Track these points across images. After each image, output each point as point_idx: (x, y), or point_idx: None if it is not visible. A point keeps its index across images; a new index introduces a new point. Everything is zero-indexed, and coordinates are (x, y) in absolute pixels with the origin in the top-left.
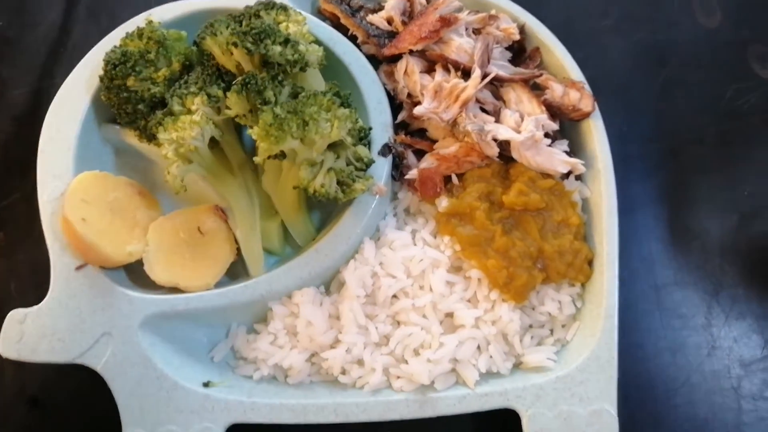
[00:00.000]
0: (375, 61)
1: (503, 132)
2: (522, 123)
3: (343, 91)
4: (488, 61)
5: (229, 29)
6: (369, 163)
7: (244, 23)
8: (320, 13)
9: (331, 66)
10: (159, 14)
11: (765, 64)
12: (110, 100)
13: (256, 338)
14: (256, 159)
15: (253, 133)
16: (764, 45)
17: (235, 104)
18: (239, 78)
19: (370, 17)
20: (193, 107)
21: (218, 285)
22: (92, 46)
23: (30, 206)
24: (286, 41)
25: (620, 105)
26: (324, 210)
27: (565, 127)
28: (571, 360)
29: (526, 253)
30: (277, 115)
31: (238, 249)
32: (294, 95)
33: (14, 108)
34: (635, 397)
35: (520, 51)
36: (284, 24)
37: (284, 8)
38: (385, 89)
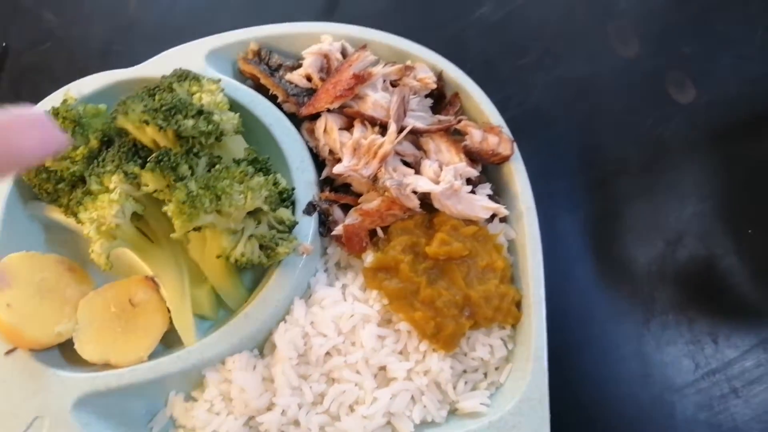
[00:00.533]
0: (297, 119)
1: (422, 184)
2: (441, 173)
3: (260, 156)
4: (404, 114)
5: (141, 105)
6: (292, 225)
7: (156, 98)
8: (241, 74)
9: (253, 128)
10: (77, 88)
11: (682, 89)
12: (31, 181)
13: (194, 406)
14: (173, 235)
15: (168, 209)
16: (681, 71)
17: (151, 181)
18: (153, 156)
19: (289, 76)
20: (111, 186)
21: (153, 355)
22: None
23: None
24: (199, 113)
25: (544, 141)
26: (257, 270)
27: (488, 170)
28: (504, 403)
29: (452, 302)
30: (189, 192)
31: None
32: (212, 165)
33: None
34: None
35: (440, 97)
36: (197, 95)
37: (197, 78)
38: (308, 146)
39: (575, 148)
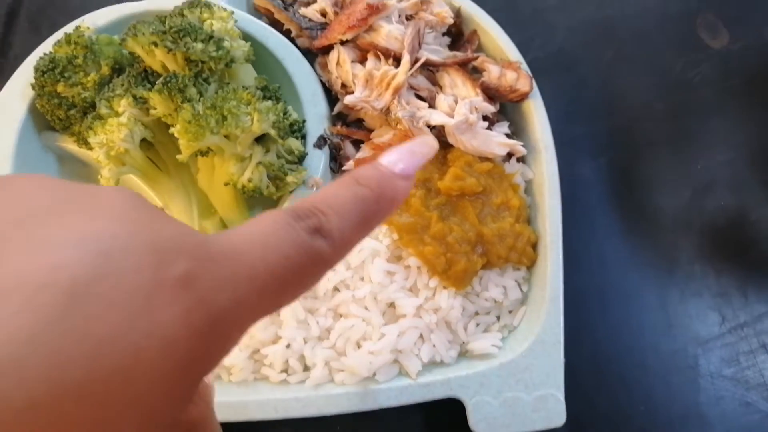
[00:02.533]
0: (312, 54)
1: (436, 117)
2: (456, 107)
3: (271, 84)
4: (419, 47)
5: (150, 29)
6: (302, 156)
7: (166, 22)
8: (256, 10)
9: (265, 61)
10: (91, 20)
11: (714, 34)
12: (43, 108)
13: None
14: (180, 157)
15: (174, 130)
16: (713, 15)
17: (159, 104)
18: (161, 78)
19: (303, 10)
20: (120, 109)
21: None
22: None
23: None
24: (209, 38)
25: (567, 85)
26: (267, 205)
27: (507, 109)
28: (516, 346)
29: (464, 239)
30: (196, 112)
31: None
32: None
33: None
34: (585, 382)
35: (458, 35)
36: (208, 21)
37: (208, 6)
38: (321, 81)
39: (599, 93)
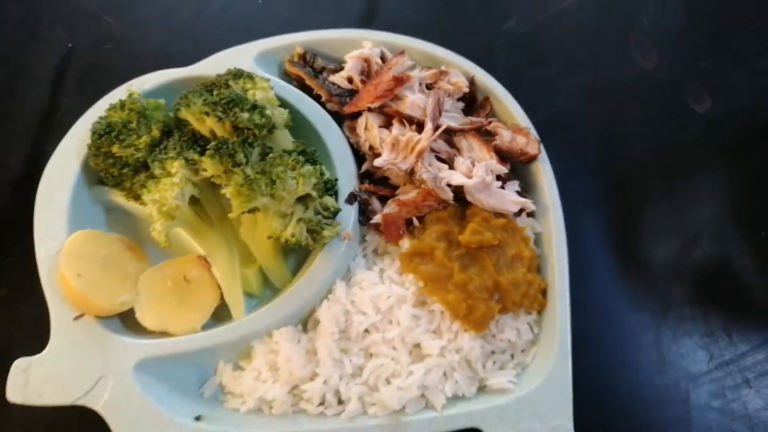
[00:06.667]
0: (339, 116)
1: (456, 178)
2: (473, 168)
3: (309, 148)
4: (440, 114)
5: (201, 99)
6: (336, 212)
7: (214, 93)
8: (287, 75)
9: (299, 124)
10: (138, 84)
11: (699, 100)
12: (98, 166)
13: (242, 374)
14: (231, 215)
15: (227, 192)
16: (699, 83)
17: (210, 167)
18: (212, 143)
19: (332, 77)
20: (173, 170)
21: (204, 328)
22: (80, 115)
23: (29, 264)
24: (254, 107)
25: (567, 144)
26: (300, 254)
27: (517, 168)
28: (530, 382)
29: (483, 287)
30: (247, 176)
31: (222, 294)
32: (264, 155)
33: (10, 174)
34: (591, 414)
35: (471, 100)
36: (251, 91)
37: (251, 77)
38: (349, 142)
39: (597, 152)
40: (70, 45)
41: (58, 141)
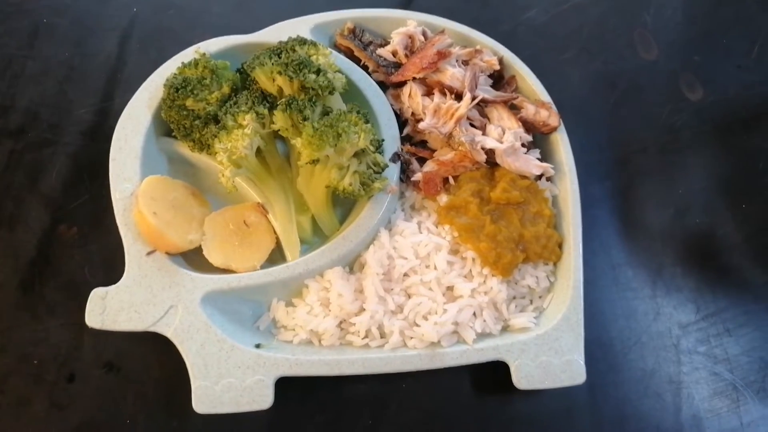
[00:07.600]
0: (383, 86)
1: (489, 142)
2: (504, 135)
3: (362, 110)
4: (476, 87)
5: (272, 61)
6: (384, 168)
7: (283, 56)
8: (336, 47)
9: (349, 90)
10: (205, 47)
11: (693, 89)
12: (170, 117)
13: (294, 310)
14: (300, 162)
15: (297, 142)
16: (692, 74)
17: (279, 120)
18: (283, 99)
19: (379, 51)
20: (244, 122)
21: (262, 268)
22: (144, 73)
23: (97, 205)
24: (319, 71)
25: (580, 122)
26: (344, 207)
27: (537, 139)
28: (547, 322)
29: (510, 238)
30: (316, 129)
31: (277, 239)
32: (324, 114)
33: (80, 125)
34: (598, 353)
35: (499, 78)
36: (315, 56)
37: (314, 44)
38: (393, 109)
39: (604, 130)
40: (135, 9)
41: (123, 95)
